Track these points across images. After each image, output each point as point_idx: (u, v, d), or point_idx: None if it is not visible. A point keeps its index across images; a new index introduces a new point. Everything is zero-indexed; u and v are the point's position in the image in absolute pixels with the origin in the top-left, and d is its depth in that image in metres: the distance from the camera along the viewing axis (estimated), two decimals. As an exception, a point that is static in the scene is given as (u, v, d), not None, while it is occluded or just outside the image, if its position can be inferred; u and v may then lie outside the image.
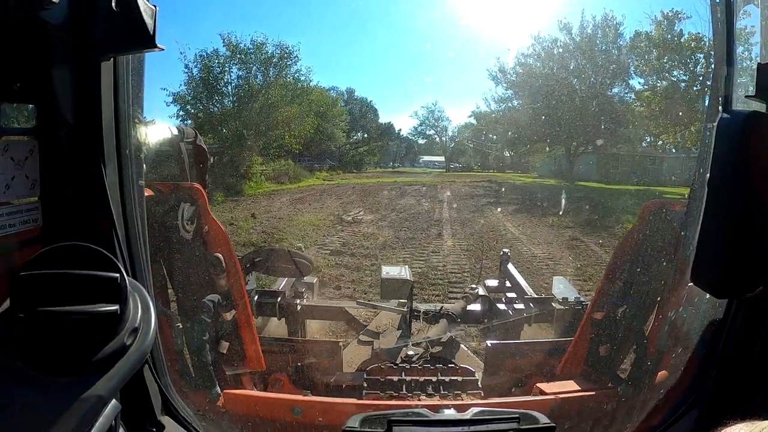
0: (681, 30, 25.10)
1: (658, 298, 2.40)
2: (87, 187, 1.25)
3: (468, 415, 1.36)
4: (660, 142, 29.10)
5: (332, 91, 36.21)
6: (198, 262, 2.72)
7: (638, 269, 2.55)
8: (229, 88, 27.88)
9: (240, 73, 27.97)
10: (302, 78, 30.06)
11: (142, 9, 1.15)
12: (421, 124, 43.59)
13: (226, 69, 27.57)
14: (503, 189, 28.46)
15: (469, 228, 15.85)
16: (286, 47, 28.55)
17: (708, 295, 1.51)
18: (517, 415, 1.31)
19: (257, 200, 21.87)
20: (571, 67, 30.18)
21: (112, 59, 1.24)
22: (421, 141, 44.28)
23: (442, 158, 43.12)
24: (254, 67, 28.10)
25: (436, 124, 43.28)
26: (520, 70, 32.08)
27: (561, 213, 18.63)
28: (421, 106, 48.91)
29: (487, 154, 40.44)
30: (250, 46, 27.64)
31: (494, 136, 39.23)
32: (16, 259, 1.28)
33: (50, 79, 1.19)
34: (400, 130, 43.62)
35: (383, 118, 42.37)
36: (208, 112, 27.67)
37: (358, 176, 35.72)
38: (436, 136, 43.73)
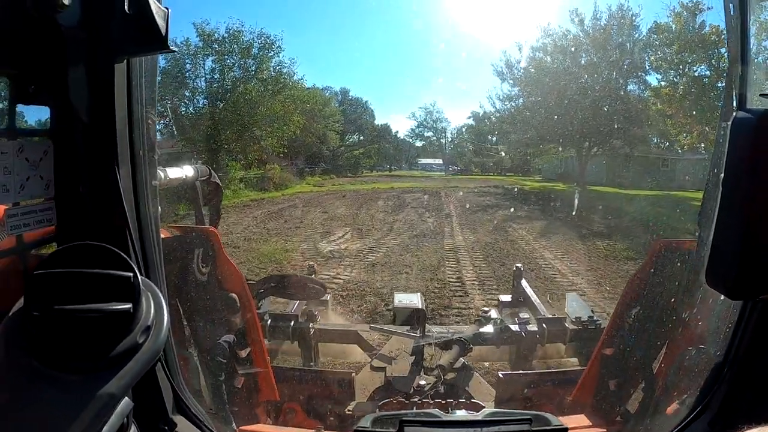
0: (703, 21, 23.45)
1: (668, 336, 2.41)
2: (101, 187, 1.27)
3: (480, 415, 1.36)
4: (667, 143, 27.74)
5: (326, 91, 34.48)
6: (213, 303, 2.79)
7: (649, 305, 2.57)
8: (202, 82, 25.46)
9: (214, 66, 25.40)
10: (285, 71, 27.03)
11: (154, 11, 1.16)
12: (418, 126, 42.54)
13: (199, 61, 25.07)
14: (515, 196, 25.61)
15: (497, 264, 11.15)
16: (267, 37, 25.83)
17: (720, 317, 1.50)
18: (529, 416, 1.30)
19: (226, 214, 16.95)
20: (583, 62, 28.45)
21: (125, 61, 1.26)
22: (418, 143, 43.14)
23: (440, 161, 41.96)
24: (230, 59, 25.52)
25: (434, 125, 42.28)
26: (529, 66, 30.15)
27: (604, 232, 14.82)
28: (418, 106, 47.44)
29: (490, 156, 39.29)
30: (226, 35, 25.08)
31: (494, 138, 38.08)
32: (31, 258, 1.30)
33: (65, 80, 1.21)
34: (397, 132, 42.52)
35: (379, 119, 41.23)
36: (177, 110, 25.09)
37: (353, 181, 33.24)
38: (434, 137, 42.67)
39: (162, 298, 1.02)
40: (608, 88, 27.66)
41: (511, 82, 31.41)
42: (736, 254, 1.23)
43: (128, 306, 0.92)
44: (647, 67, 26.97)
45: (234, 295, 2.82)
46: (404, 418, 1.32)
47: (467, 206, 22.02)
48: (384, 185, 30.35)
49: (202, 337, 2.68)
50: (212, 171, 3.40)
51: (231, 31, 25.10)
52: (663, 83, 25.74)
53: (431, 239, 14.62)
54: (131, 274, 0.94)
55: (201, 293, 2.68)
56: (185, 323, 2.60)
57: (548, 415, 1.36)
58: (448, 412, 1.44)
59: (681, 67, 24.48)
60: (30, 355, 0.89)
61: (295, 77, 27.99)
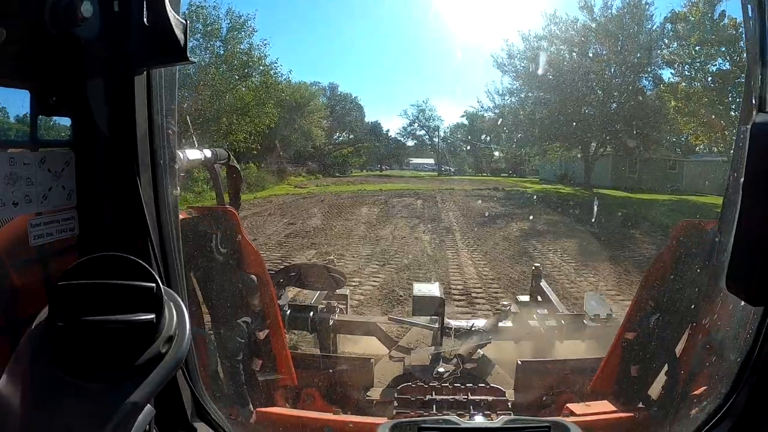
0: (723, 12, 21.63)
1: (691, 319, 2.37)
2: (122, 197, 1.29)
3: (498, 423, 1.36)
4: (677, 144, 26.05)
5: (314, 86, 32.62)
6: (232, 283, 2.80)
7: (671, 289, 2.52)
8: (160, 69, 22.38)
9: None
10: (256, 54, 23.57)
11: (173, 23, 1.17)
12: (410, 124, 40.95)
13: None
14: (522, 201, 22.54)
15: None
16: (239, 16, 22.54)
17: (743, 304, 1.47)
18: (547, 424, 1.30)
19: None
20: (592, 54, 26.33)
21: (145, 72, 1.28)
22: (410, 142, 41.58)
23: (432, 160, 40.68)
24: (192, 41, 20.62)
25: (426, 123, 40.71)
26: (533, 57, 27.67)
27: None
28: (410, 104, 45.92)
29: (484, 156, 38.24)
30: (186, 11, 21.09)
31: (488, 137, 36.91)
32: (54, 267, 1.32)
33: (85, 92, 1.23)
34: (388, 130, 40.95)
35: (370, 117, 39.52)
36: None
37: (339, 181, 30.66)
38: (426, 136, 41.18)
39: (184, 307, 1.04)
40: (619, 83, 25.98)
41: (512, 74, 29.27)
42: (757, 260, 1.22)
43: (151, 316, 0.94)
44: (660, 62, 25.20)
45: (253, 276, 2.83)
46: (423, 425, 1.33)
47: (470, 216, 18.25)
48: (372, 187, 27.80)
49: (221, 318, 2.69)
50: (231, 155, 3.47)
51: (194, 7, 21.94)
52: (678, 78, 23.78)
53: (430, 276, 9.85)
54: (154, 285, 0.95)
55: (220, 273, 2.70)
56: (203, 303, 2.62)
57: (567, 422, 1.36)
58: (467, 415, 1.44)
59: (699, 61, 22.56)
60: (55, 365, 0.90)
61: (267, 60, 24.54)
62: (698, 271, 2.35)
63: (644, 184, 25.49)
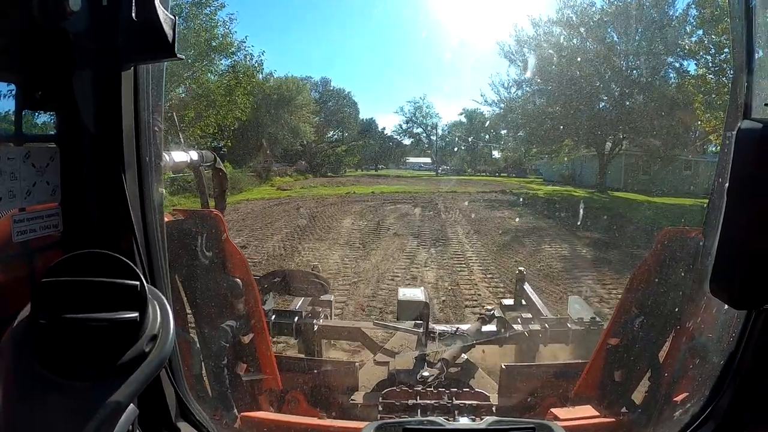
0: None
1: (675, 323, 2.40)
2: (107, 194, 1.28)
3: (483, 424, 1.36)
4: (692, 143, 23.29)
5: (305, 81, 30.57)
6: (217, 285, 2.79)
7: (654, 295, 2.55)
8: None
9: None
10: (220, 33, 19.94)
11: (161, 19, 1.17)
12: (407, 122, 39.21)
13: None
14: (539, 208, 19.42)
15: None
16: None
17: (726, 308, 1.49)
18: (532, 425, 1.31)
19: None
20: (609, 42, 23.53)
21: (132, 68, 1.27)
22: (407, 141, 39.90)
23: (428, 159, 39.36)
24: None
25: (424, 121, 39.05)
26: (543, 45, 24.82)
27: None
28: (407, 101, 42.78)
29: (488, 155, 37.24)
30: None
31: (488, 135, 35.62)
32: (37, 263, 1.31)
33: (71, 87, 1.21)
34: (384, 128, 39.10)
35: (364, 114, 37.68)
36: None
37: (328, 182, 28.53)
38: (423, 134, 39.58)
39: (168, 306, 1.03)
40: (638, 75, 23.56)
41: (521, 64, 26.33)
42: (740, 264, 1.23)
43: (135, 315, 0.93)
44: (683, 52, 22.46)
45: (238, 280, 2.83)
46: (407, 426, 1.33)
47: (484, 232, 14.11)
48: (363, 189, 25.23)
49: (205, 320, 2.69)
50: (217, 157, 3.45)
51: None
52: (704, 70, 21.16)
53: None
54: (138, 283, 0.95)
55: (204, 275, 2.69)
56: (188, 307, 2.61)
57: (551, 423, 1.37)
58: (452, 418, 1.45)
59: (726, 51, 19.53)
60: (37, 363, 0.89)
61: (234, 38, 20.89)
62: (682, 275, 2.38)
63: (659, 187, 23.43)
